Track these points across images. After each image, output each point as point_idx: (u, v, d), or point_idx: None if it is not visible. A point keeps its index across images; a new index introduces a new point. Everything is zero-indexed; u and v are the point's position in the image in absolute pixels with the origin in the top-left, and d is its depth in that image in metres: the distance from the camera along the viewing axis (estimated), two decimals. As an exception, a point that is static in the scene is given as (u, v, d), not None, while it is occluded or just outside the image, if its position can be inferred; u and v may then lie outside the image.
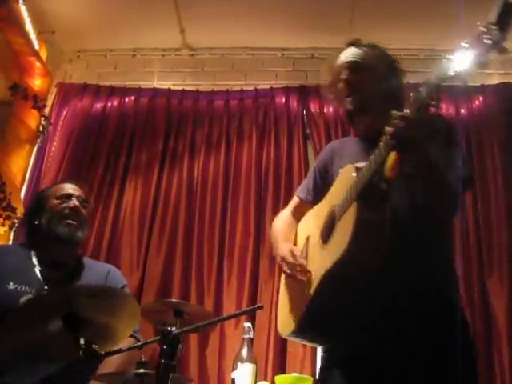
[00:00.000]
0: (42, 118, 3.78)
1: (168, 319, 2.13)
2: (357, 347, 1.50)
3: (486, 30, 1.16)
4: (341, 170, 1.66)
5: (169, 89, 4.04)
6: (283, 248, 1.71)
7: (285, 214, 1.97)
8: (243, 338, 2.53)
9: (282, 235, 1.84)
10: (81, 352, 1.40)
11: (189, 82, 4.11)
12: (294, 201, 1.98)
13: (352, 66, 1.74)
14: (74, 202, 2.21)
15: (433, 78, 1.29)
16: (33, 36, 3.74)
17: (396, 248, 1.43)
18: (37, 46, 3.81)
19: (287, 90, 3.93)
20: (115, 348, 1.57)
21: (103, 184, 3.71)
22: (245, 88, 3.98)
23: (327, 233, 1.55)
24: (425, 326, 1.44)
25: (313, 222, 1.73)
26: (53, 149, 3.87)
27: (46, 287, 2.03)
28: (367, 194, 1.43)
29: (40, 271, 2.08)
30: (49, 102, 3.98)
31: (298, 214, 1.91)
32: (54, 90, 4.09)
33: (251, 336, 2.54)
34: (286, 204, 2.12)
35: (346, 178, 1.59)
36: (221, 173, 3.70)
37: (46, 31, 3.98)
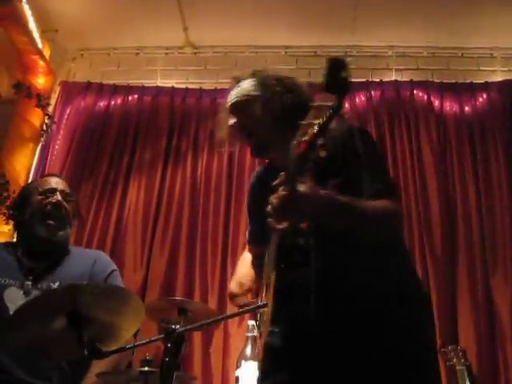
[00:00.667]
0: (46, 117, 3.79)
1: (172, 317, 2.14)
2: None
3: (324, 104, 1.04)
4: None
5: (172, 87, 4.04)
6: (232, 283, 1.69)
7: (248, 256, 1.94)
8: (247, 336, 2.52)
9: (240, 273, 1.83)
10: (85, 350, 1.40)
11: (192, 80, 4.11)
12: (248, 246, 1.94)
13: (233, 108, 1.63)
14: (57, 197, 2.14)
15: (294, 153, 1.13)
16: (36, 34, 3.75)
17: (333, 297, 1.34)
18: (40, 45, 3.81)
19: (290, 88, 3.92)
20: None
21: (107, 182, 3.72)
22: (248, 86, 3.97)
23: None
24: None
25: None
26: (56, 147, 3.87)
27: (30, 278, 2.01)
28: (285, 258, 1.33)
29: (24, 263, 2.06)
30: (52, 101, 3.99)
31: (255, 258, 1.87)
32: (57, 89, 4.10)
33: (255, 334, 2.54)
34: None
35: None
36: (224, 171, 3.70)
37: (49, 30, 3.99)
